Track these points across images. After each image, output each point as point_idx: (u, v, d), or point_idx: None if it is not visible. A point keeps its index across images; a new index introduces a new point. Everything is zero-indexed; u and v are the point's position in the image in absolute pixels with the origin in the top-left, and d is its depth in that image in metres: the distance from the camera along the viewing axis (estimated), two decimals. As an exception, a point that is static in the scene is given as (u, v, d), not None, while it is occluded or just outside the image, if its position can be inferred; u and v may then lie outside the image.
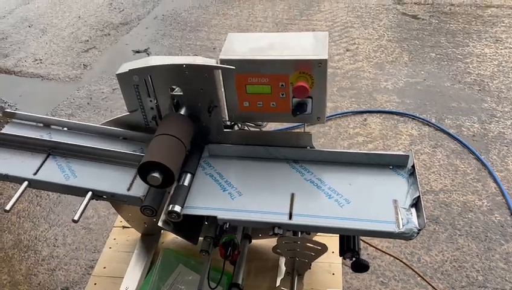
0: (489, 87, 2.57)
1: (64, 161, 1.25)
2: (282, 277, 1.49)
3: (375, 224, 1.06)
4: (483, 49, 2.88)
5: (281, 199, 1.14)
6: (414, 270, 1.57)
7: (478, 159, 2.12)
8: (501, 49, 2.87)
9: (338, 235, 1.19)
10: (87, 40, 3.33)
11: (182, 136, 1.17)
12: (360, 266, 1.13)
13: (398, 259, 1.62)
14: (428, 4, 3.44)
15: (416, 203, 1.10)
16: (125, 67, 1.23)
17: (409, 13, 3.33)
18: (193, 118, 1.25)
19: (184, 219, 1.14)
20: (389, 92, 2.61)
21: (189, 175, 1.21)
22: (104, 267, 1.60)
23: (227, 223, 1.10)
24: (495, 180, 2.01)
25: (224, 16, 3.49)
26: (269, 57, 1.17)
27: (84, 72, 3.03)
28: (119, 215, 1.77)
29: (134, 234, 1.69)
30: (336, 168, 1.22)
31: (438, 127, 2.32)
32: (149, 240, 1.67)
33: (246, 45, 1.22)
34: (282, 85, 1.19)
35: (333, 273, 1.51)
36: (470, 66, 2.75)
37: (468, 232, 1.82)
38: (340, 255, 1.15)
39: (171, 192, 1.18)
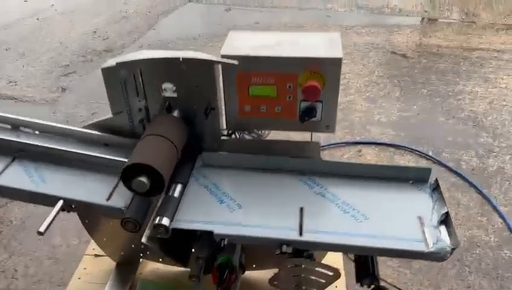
0: (484, 123, 2.52)
1: (32, 165, 1.07)
2: (280, 313, 1.30)
3: (400, 243, 0.90)
4: (474, 88, 2.86)
5: (288, 213, 0.98)
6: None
7: (480, 193, 2.01)
8: (491, 88, 2.86)
9: (346, 256, 1.02)
10: (68, 65, 3.18)
11: (174, 139, 1.01)
12: (381, 295, 0.96)
13: (408, 295, 1.44)
14: (416, 44, 3.46)
15: (445, 220, 0.95)
16: (112, 62, 1.09)
17: (398, 52, 3.34)
18: (187, 122, 1.10)
19: (173, 236, 0.96)
20: (382, 125, 2.52)
21: (179, 186, 1.04)
22: (71, 301, 1.37)
23: (225, 241, 0.93)
24: (500, 215, 1.89)
25: (213, 47, 3.42)
26: (277, 54, 1.05)
27: (63, 95, 2.86)
28: (91, 242, 1.56)
29: (109, 263, 1.48)
30: (349, 182, 1.07)
31: (436, 160, 2.22)
32: (125, 270, 1.45)
33: (250, 42, 1.10)
34: (289, 86, 1.07)
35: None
36: (463, 103, 2.71)
37: (478, 268, 1.67)
38: (358, 281, 0.98)
39: (158, 204, 1.01)
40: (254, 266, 1.41)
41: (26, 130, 1.17)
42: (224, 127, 1.16)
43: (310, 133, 1.20)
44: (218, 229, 0.93)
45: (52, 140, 1.14)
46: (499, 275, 1.65)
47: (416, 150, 2.29)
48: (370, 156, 2.27)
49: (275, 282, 1.25)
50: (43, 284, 1.62)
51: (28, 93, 2.85)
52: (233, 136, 1.20)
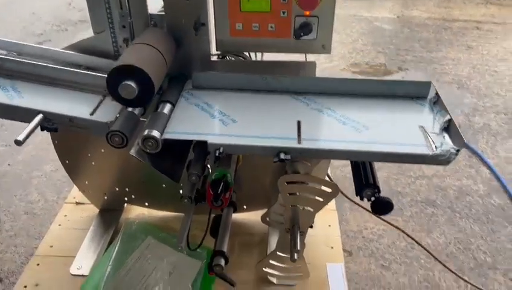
0: (468, 85, 2.52)
1: (8, 81, 0.99)
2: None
3: (402, 147, 0.87)
4: (456, 54, 2.87)
5: (285, 125, 0.93)
6: (422, 246, 1.37)
7: (467, 147, 2.01)
8: (474, 54, 2.88)
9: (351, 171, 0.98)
10: (42, 34, 3.05)
11: (161, 48, 0.95)
12: (382, 205, 0.92)
13: (404, 232, 1.41)
14: (398, 17, 3.46)
15: (447, 128, 0.92)
16: (93, -26, 1.02)
17: (380, 23, 3.33)
18: (175, 41, 1.04)
19: (164, 152, 0.90)
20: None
21: (168, 104, 0.98)
22: (51, 246, 1.29)
23: (220, 150, 0.87)
24: (488, 167, 1.89)
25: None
26: (271, -39, 1.00)
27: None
28: (72, 190, 1.48)
29: (91, 210, 1.40)
30: (346, 99, 1.03)
31: (423, 118, 2.21)
32: (109, 216, 1.38)
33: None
34: None
35: (332, 247, 1.28)
36: (447, 68, 2.71)
37: (469, 214, 1.66)
38: (358, 195, 0.94)
39: (147, 120, 0.94)
40: (245, 207, 1.36)
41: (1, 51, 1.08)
42: (215, 50, 1.10)
43: (305, 55, 1.16)
44: (212, 139, 0.87)
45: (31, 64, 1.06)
46: (489, 219, 1.64)
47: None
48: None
49: (267, 218, 1.20)
50: (20, 238, 1.53)
51: None
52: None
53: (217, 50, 1.11)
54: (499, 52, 2.91)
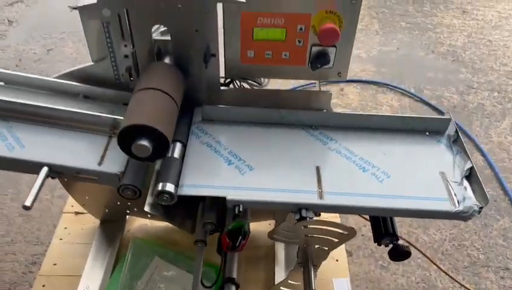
0: (463, 58, 2.48)
1: (3, 125, 0.90)
2: (281, 267, 1.27)
3: (426, 202, 0.85)
4: (451, 20, 2.80)
5: (304, 173, 0.90)
6: (417, 249, 1.41)
7: (462, 131, 2.02)
8: (469, 20, 2.80)
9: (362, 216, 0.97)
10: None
11: (172, 92, 0.87)
12: (400, 254, 0.92)
13: (401, 238, 1.45)
14: (391, -27, 3.30)
15: (469, 176, 0.91)
16: (89, -1, 0.90)
17: (374, -18, 3.18)
18: (181, 71, 0.96)
19: (177, 202, 0.86)
20: (363, 61, 2.43)
21: (179, 145, 0.93)
22: (55, 264, 1.27)
23: (238, 210, 0.84)
24: (482, 154, 1.92)
25: None
26: (288, -10, 0.91)
27: (10, 29, 2.53)
28: (69, 198, 1.43)
29: (92, 221, 1.37)
30: (362, 135, 0.99)
31: (418, 97, 2.19)
32: (111, 228, 1.35)
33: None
34: (301, 29, 0.94)
35: (337, 260, 1.30)
36: (441, 36, 2.65)
37: (463, 208, 1.70)
38: (376, 241, 0.94)
39: (159, 166, 0.89)
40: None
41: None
42: (223, 74, 1.03)
43: (318, 81, 1.10)
44: (231, 195, 0.84)
45: (21, 94, 0.98)
46: (482, 212, 1.67)
47: (398, 88, 2.24)
48: (353, 95, 2.20)
49: (275, 236, 1.20)
50: (18, 244, 1.50)
51: (-32, 27, 2.50)
52: (231, 85, 1.07)
53: (225, 76, 1.04)
54: (494, 17, 2.85)
